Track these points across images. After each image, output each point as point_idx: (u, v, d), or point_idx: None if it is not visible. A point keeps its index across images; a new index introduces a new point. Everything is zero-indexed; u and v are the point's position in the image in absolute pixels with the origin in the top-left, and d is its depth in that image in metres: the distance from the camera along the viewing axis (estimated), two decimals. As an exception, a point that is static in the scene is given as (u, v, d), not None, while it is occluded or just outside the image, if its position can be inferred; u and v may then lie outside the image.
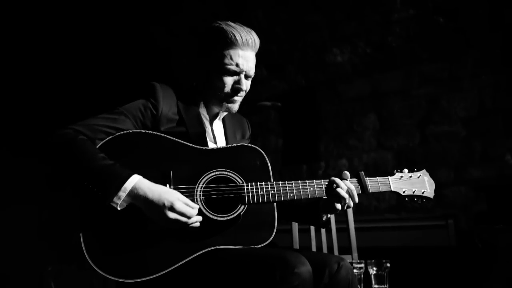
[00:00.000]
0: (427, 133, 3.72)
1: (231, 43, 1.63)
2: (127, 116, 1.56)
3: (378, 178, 1.71)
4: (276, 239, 1.61)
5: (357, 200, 1.63)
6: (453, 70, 3.63)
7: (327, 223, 1.81)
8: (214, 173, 1.55)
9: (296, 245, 2.40)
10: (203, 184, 1.53)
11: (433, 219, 3.27)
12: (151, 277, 1.42)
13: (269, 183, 1.58)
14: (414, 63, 3.79)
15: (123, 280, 1.40)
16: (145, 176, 1.44)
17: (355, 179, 1.67)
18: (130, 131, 1.53)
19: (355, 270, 1.93)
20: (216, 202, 1.53)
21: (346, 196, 1.61)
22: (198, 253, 1.47)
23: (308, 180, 1.62)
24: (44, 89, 4.51)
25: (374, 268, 1.95)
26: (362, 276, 1.99)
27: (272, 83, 4.52)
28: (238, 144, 1.67)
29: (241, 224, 1.53)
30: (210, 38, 1.67)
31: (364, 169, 3.93)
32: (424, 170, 1.82)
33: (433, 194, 1.79)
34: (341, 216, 2.48)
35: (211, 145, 1.70)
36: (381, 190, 1.70)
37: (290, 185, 1.60)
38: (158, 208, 1.41)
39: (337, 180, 1.63)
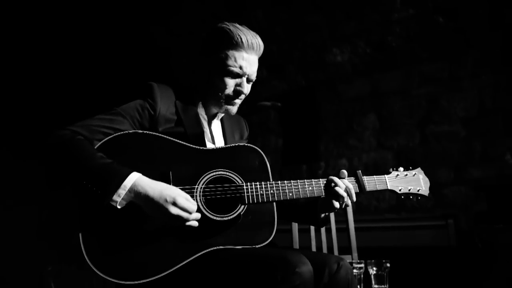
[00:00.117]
0: (427, 133, 3.72)
1: (236, 44, 1.63)
2: (124, 116, 1.56)
3: (375, 176, 1.73)
4: (276, 239, 1.61)
5: (354, 198, 1.65)
6: (453, 70, 3.62)
7: (325, 222, 1.81)
8: (213, 174, 1.55)
9: (296, 245, 2.40)
10: (202, 185, 1.53)
11: (433, 219, 3.27)
12: (151, 279, 1.41)
13: (268, 183, 1.58)
14: (414, 63, 3.79)
15: (123, 282, 1.40)
16: None
17: (352, 178, 1.69)
18: (128, 131, 1.52)
19: (355, 270, 1.93)
20: (216, 203, 1.53)
21: (344, 194, 1.62)
22: (199, 254, 1.47)
23: (307, 180, 1.63)
24: (44, 89, 4.51)
25: (374, 268, 1.95)
26: (362, 276, 1.99)
27: (272, 83, 4.52)
28: (237, 144, 1.67)
29: (241, 224, 1.53)
30: (215, 37, 1.66)
31: (364, 169, 3.93)
32: (419, 168, 1.85)
33: (428, 192, 1.82)
34: (341, 216, 2.48)
35: (209, 145, 1.70)
36: (378, 189, 1.72)
37: (289, 185, 1.60)
38: (159, 204, 1.40)
39: (335, 179, 1.64)
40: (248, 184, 1.55)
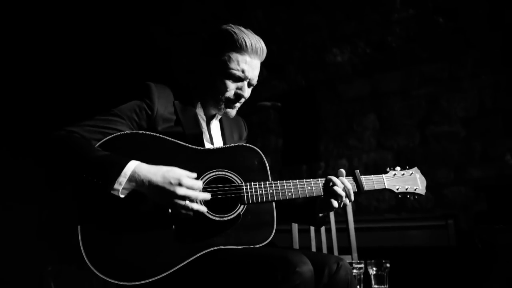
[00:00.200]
0: (427, 133, 3.72)
1: (240, 48, 1.63)
2: (122, 117, 1.55)
3: (373, 176, 1.74)
4: (276, 239, 1.61)
5: (352, 198, 1.66)
6: (453, 70, 3.62)
7: (324, 222, 1.81)
8: (213, 174, 1.55)
9: (296, 245, 2.40)
10: (202, 185, 1.53)
11: (433, 219, 3.27)
12: (151, 279, 1.41)
13: (267, 182, 1.58)
14: (414, 63, 3.79)
15: (122, 283, 1.39)
16: None
17: (351, 177, 1.69)
18: (126, 132, 1.52)
19: (355, 271, 1.94)
20: (216, 203, 1.53)
21: (342, 193, 1.63)
22: (199, 254, 1.47)
23: (306, 179, 1.63)
24: (44, 89, 4.51)
25: (374, 268, 1.95)
26: (362, 276, 1.99)
27: (272, 83, 4.52)
28: (236, 144, 1.67)
29: (241, 224, 1.53)
30: (219, 39, 1.65)
31: (364, 169, 3.93)
32: (415, 168, 1.86)
33: (425, 190, 1.83)
34: (341, 216, 2.48)
35: (207, 145, 1.70)
36: (376, 188, 1.73)
37: (288, 185, 1.60)
38: (164, 188, 1.39)
39: (334, 178, 1.64)
40: (248, 184, 1.55)
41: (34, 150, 1.48)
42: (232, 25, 1.66)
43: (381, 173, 1.78)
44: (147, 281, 1.40)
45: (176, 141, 1.56)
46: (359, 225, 2.79)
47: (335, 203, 1.64)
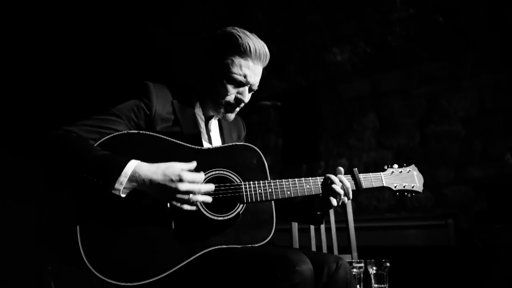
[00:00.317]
0: (427, 133, 3.72)
1: (244, 52, 1.61)
2: (120, 117, 1.54)
3: (371, 174, 1.75)
4: (276, 238, 1.61)
5: (351, 195, 1.66)
6: (453, 70, 3.62)
7: (322, 220, 1.81)
8: (212, 173, 1.54)
9: (296, 244, 2.40)
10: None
11: (433, 218, 3.27)
12: (150, 280, 1.40)
13: (266, 181, 1.58)
14: (414, 63, 3.79)
15: (122, 284, 1.39)
16: None
17: (349, 175, 1.69)
18: (124, 132, 1.51)
19: (354, 270, 1.93)
20: (215, 202, 1.52)
21: (341, 192, 1.63)
22: (199, 254, 1.47)
23: (305, 178, 1.63)
24: (44, 89, 4.51)
25: (374, 268, 1.95)
26: (361, 275, 1.99)
27: (272, 82, 4.52)
28: (235, 144, 1.66)
29: (240, 223, 1.53)
30: (223, 41, 1.63)
31: (364, 168, 3.93)
32: (413, 165, 1.86)
33: (422, 188, 1.83)
34: (341, 216, 2.48)
35: (206, 145, 1.69)
36: (374, 186, 1.73)
37: (287, 183, 1.60)
38: (166, 186, 1.38)
39: (332, 176, 1.64)
40: (247, 183, 1.55)
41: (32, 149, 1.47)
42: (238, 28, 1.64)
43: (379, 171, 1.78)
44: (147, 281, 1.40)
45: (175, 140, 1.55)
46: (359, 224, 2.79)
47: (334, 201, 1.63)
